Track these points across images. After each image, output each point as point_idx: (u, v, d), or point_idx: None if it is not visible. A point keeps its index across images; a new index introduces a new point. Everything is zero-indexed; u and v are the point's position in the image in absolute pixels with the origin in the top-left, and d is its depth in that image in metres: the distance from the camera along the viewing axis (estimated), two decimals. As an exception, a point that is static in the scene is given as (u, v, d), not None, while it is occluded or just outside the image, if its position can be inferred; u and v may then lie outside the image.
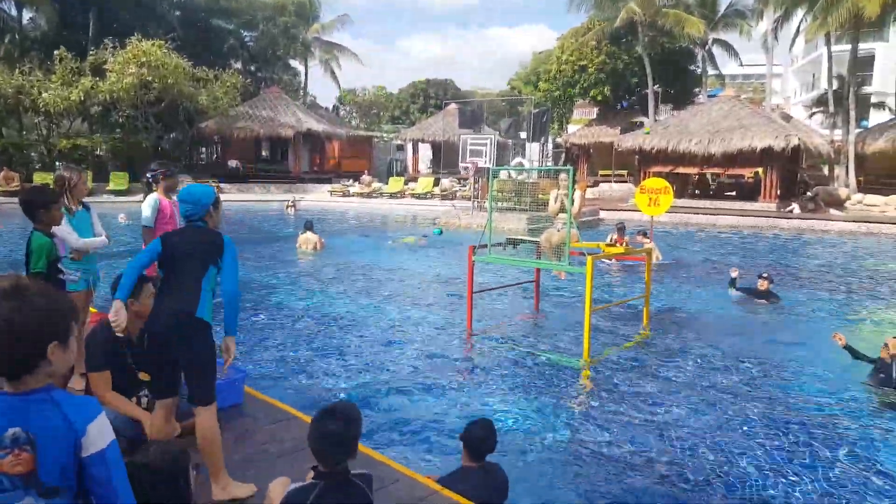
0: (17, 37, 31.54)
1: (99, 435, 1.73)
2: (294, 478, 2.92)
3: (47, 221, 4.18)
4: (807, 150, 25.57)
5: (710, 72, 36.24)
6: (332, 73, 46.87)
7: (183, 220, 3.67)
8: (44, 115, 29.70)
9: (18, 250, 4.36)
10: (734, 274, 10.70)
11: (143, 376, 4.07)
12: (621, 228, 13.95)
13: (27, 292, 1.71)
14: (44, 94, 27.48)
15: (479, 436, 3.78)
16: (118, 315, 3.42)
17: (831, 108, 31.64)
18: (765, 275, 10.42)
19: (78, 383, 4.65)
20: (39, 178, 25.69)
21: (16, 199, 4.59)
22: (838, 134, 29.96)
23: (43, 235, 4.14)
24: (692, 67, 36.04)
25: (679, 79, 35.20)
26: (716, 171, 27.21)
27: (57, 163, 28.07)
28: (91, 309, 5.24)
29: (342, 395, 5.98)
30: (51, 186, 4.86)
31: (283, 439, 4.28)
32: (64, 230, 4.50)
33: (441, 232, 17.94)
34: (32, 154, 31.92)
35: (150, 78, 27.74)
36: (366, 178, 32.38)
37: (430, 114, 43.27)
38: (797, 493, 4.38)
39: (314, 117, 35.50)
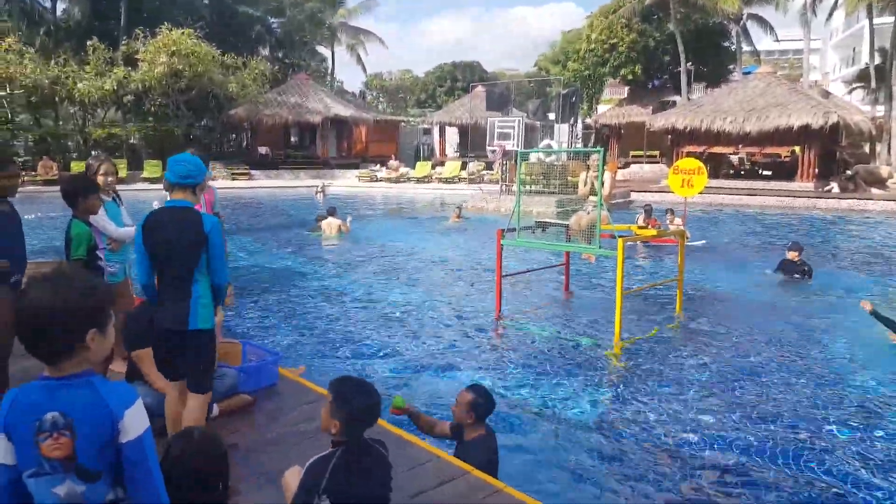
0: (51, 28, 32.13)
1: (136, 421, 1.76)
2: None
3: (85, 209, 4.26)
4: (846, 127, 24.86)
5: (745, 48, 35.40)
6: (359, 57, 46.91)
7: (174, 183, 3.47)
8: (79, 104, 30.29)
9: (60, 237, 4.46)
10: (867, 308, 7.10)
11: None
12: (649, 210, 13.74)
13: (68, 279, 1.74)
14: (78, 85, 28.00)
15: (479, 401, 3.89)
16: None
17: (873, 84, 30.69)
18: (791, 245, 10.17)
19: (119, 366, 4.77)
20: (76, 166, 26.25)
21: (55, 188, 4.69)
22: (880, 110, 29.04)
23: (82, 223, 4.22)
24: (726, 44, 35.20)
25: (712, 56, 34.41)
26: (751, 150, 26.62)
27: (92, 152, 28.64)
28: (135, 297, 5.34)
29: (373, 377, 6.02)
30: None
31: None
32: (101, 220, 4.58)
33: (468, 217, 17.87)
34: (69, 143, 32.64)
35: (180, 66, 28.05)
36: (393, 162, 32.41)
37: (456, 97, 43.00)
38: (840, 483, 4.31)
39: (341, 103, 35.59)
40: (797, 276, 9.91)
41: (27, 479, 1.74)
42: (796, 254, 10.00)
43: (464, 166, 31.40)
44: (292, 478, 2.88)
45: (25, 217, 4.25)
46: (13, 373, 4.09)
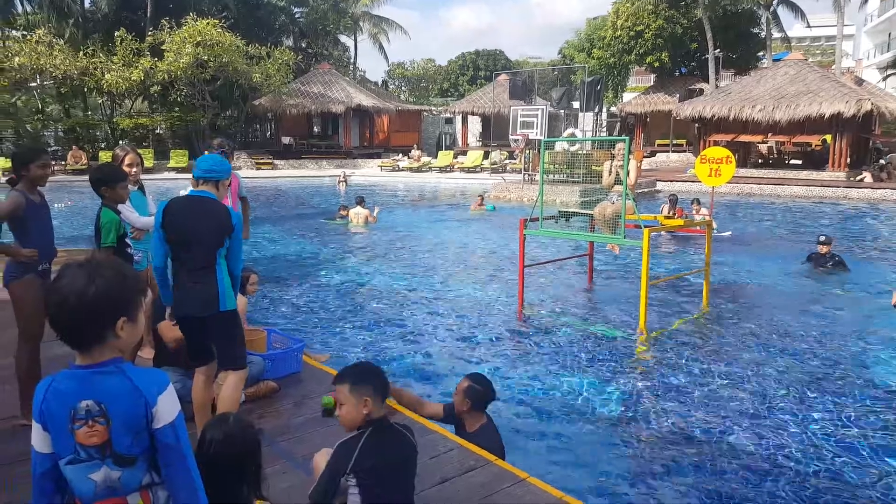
0: (80, 20, 32.55)
1: (169, 406, 1.78)
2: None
3: (112, 198, 4.31)
4: (880, 115, 24.28)
5: (775, 34, 34.64)
6: (381, 46, 46.83)
7: (198, 178, 3.59)
8: (107, 95, 30.70)
9: (90, 226, 4.52)
10: None
11: None
12: (674, 200, 13.55)
13: (100, 267, 1.76)
14: (106, 75, 28.38)
15: (481, 390, 3.95)
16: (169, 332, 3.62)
17: (907, 70, 29.84)
18: (822, 238, 10.05)
19: (147, 352, 4.85)
20: (105, 156, 26.67)
21: (84, 177, 4.78)
22: (915, 97, 28.27)
23: (111, 211, 4.27)
24: (755, 30, 34.48)
25: (741, 43, 33.76)
26: (780, 139, 26.12)
27: (120, 141, 29.06)
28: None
29: (395, 365, 6.06)
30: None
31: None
32: (126, 209, 4.64)
33: (493, 208, 17.79)
34: (97, 133, 33.15)
35: (205, 57, 28.29)
36: (415, 152, 32.41)
37: (479, 85, 42.77)
38: (867, 478, 4.23)
39: (364, 92, 35.62)
40: (824, 267, 9.78)
41: (64, 466, 1.77)
42: (826, 247, 9.89)
43: (486, 156, 31.28)
44: (322, 459, 2.91)
45: (56, 206, 4.32)
46: (44, 360, 4.17)
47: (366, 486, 2.64)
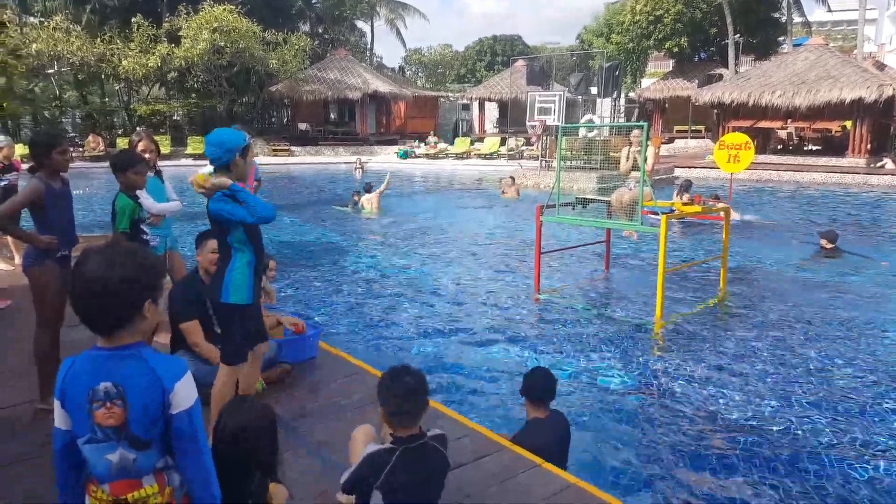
0: (97, 6, 32.69)
1: (186, 392, 1.81)
2: (377, 424, 2.98)
3: (128, 183, 4.34)
4: (903, 100, 23.76)
5: (796, 19, 34.05)
6: (398, 32, 46.61)
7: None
8: (124, 81, 30.86)
9: (107, 213, 4.57)
10: None
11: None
12: (686, 186, 13.38)
13: (127, 252, 1.79)
14: (123, 62, 28.50)
15: (541, 384, 3.83)
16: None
17: (932, 55, 29.20)
18: (824, 232, 10.00)
19: (164, 337, 4.89)
20: (122, 142, 26.85)
21: (102, 164, 4.80)
22: (939, 82, 27.64)
23: (126, 197, 4.30)
24: (776, 15, 33.88)
25: (761, 27, 33.18)
26: (800, 125, 25.73)
27: (137, 128, 29.24)
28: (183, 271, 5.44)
29: (412, 351, 6.07)
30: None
31: (354, 392, 4.41)
32: (142, 195, 4.67)
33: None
34: (115, 120, 33.37)
35: (222, 43, 28.31)
36: (431, 138, 32.30)
37: (496, 72, 42.47)
38: (881, 471, 4.18)
39: (380, 78, 35.50)
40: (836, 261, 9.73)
41: (82, 445, 1.80)
42: (828, 242, 9.81)
43: (503, 142, 31.11)
44: (361, 436, 2.89)
45: (74, 192, 4.35)
46: (63, 343, 4.22)
47: (391, 500, 2.57)
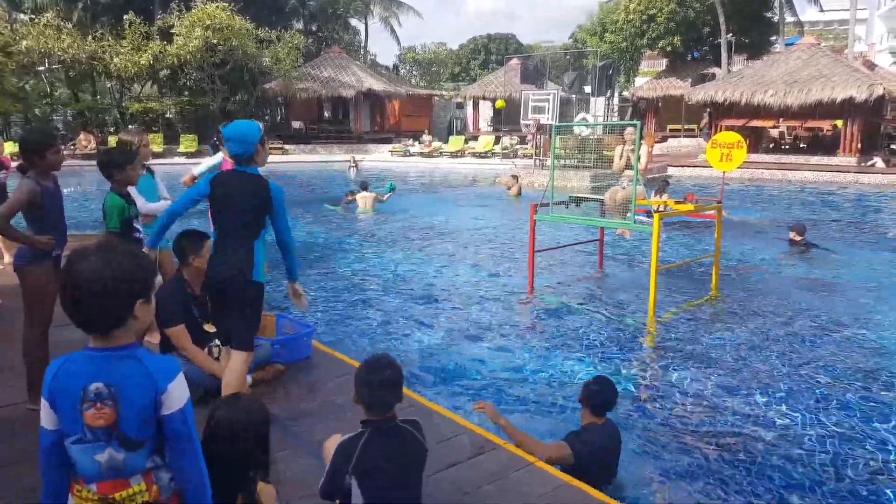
0: (88, 3, 32.50)
1: (178, 393, 1.81)
2: (354, 429, 2.98)
3: (122, 181, 4.31)
4: (892, 100, 23.96)
5: (788, 18, 34.20)
6: (392, 30, 46.55)
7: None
8: (116, 79, 30.69)
9: (98, 211, 4.54)
10: None
11: (209, 328, 4.27)
12: (663, 187, 13.33)
13: (119, 251, 1.78)
14: (115, 59, 28.34)
15: (599, 392, 3.83)
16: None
17: (922, 55, 29.38)
18: (792, 226, 10.47)
19: (154, 336, 4.87)
20: (114, 140, 26.65)
21: (94, 162, 4.76)
22: (930, 82, 27.81)
23: (116, 195, 4.27)
24: (768, 14, 34.04)
25: (754, 27, 33.33)
26: (792, 124, 25.85)
27: (129, 126, 29.10)
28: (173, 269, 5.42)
29: (406, 349, 6.07)
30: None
31: (348, 391, 4.37)
32: (133, 194, 4.64)
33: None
34: (106, 118, 33.18)
35: (215, 40, 28.19)
36: (426, 137, 32.29)
37: (491, 70, 42.48)
38: (871, 465, 4.21)
39: (374, 77, 35.45)
40: (805, 253, 10.17)
41: (70, 445, 1.79)
42: (797, 234, 10.31)
43: (497, 141, 31.13)
44: (331, 446, 2.91)
45: (65, 190, 4.32)
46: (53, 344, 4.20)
47: (367, 486, 2.58)
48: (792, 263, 9.74)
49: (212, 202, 3.62)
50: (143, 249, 3.73)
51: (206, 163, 6.24)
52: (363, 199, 14.96)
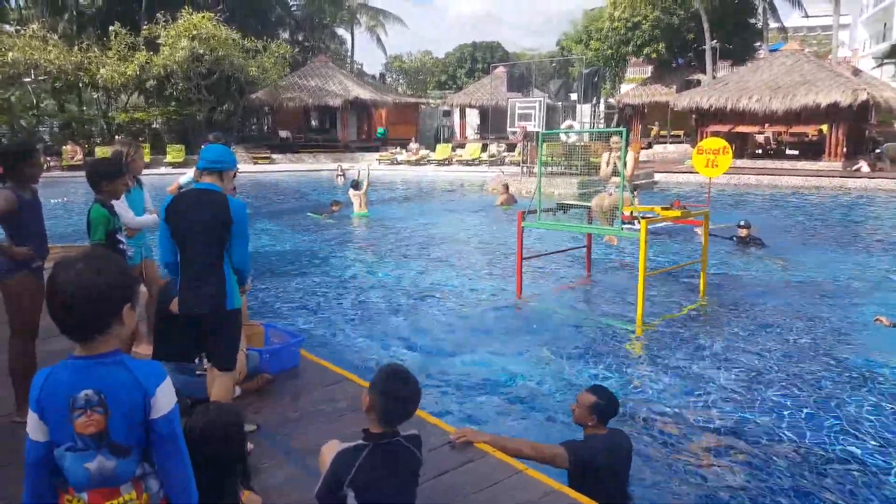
0: (74, 14, 32.38)
1: (166, 398, 1.82)
2: (346, 437, 2.97)
3: (110, 193, 4.28)
4: (876, 104, 24.23)
5: (772, 24, 34.58)
6: (379, 39, 46.69)
7: (201, 170, 3.58)
8: (102, 90, 30.53)
9: (83, 222, 4.50)
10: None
11: None
12: (634, 188, 13.34)
13: (104, 260, 1.82)
14: (101, 70, 28.22)
15: (601, 403, 3.77)
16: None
17: (904, 60, 29.80)
18: (742, 223, 11.18)
19: (144, 349, 4.84)
20: (101, 151, 26.56)
21: (80, 173, 4.73)
22: (912, 87, 28.20)
23: (101, 207, 4.24)
24: (752, 21, 34.41)
25: (738, 33, 33.70)
26: (778, 129, 26.10)
27: (116, 136, 28.95)
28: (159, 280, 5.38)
29: (394, 358, 6.05)
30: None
31: (337, 399, 4.39)
32: (121, 207, 4.61)
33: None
34: (93, 129, 32.99)
35: (201, 51, 28.14)
36: (413, 145, 32.32)
37: (477, 78, 42.65)
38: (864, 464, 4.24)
39: (361, 85, 35.50)
40: (746, 247, 10.98)
41: (63, 453, 1.79)
42: (746, 230, 11.11)
43: (484, 148, 31.23)
44: (328, 452, 2.89)
45: (51, 202, 4.29)
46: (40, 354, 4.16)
47: (365, 500, 2.57)
48: (779, 270, 9.80)
49: (171, 229, 3.44)
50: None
51: (192, 173, 6.21)
52: (356, 197, 15.00)
